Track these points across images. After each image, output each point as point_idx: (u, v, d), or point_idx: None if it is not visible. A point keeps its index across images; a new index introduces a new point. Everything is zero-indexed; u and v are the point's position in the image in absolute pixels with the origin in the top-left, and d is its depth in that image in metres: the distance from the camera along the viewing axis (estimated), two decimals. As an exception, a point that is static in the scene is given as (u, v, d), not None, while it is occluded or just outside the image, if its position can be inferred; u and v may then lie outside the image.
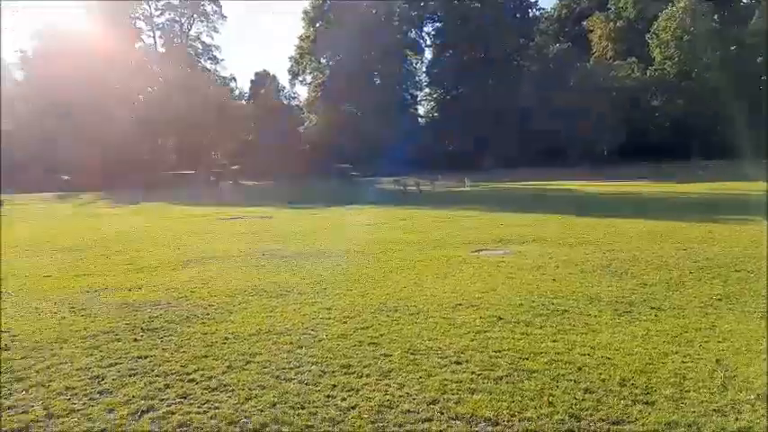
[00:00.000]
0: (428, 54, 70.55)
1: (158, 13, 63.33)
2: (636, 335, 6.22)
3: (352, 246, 13.18)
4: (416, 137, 60.21)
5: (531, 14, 71.85)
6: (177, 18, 64.01)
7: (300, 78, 67.78)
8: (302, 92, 71.61)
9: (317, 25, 63.95)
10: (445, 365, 5.45)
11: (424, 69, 70.45)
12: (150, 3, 62.59)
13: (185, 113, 55.24)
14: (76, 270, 11.01)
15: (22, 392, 5.04)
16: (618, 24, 65.46)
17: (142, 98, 63.54)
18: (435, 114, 70.88)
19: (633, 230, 14.34)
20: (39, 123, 50.69)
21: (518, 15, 69.18)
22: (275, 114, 62.22)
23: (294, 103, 69.88)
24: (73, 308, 7.93)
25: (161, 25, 64.06)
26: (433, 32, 69.75)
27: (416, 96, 72.12)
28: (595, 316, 6.97)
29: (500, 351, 5.79)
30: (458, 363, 5.51)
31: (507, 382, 5.02)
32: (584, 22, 67.89)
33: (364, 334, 6.47)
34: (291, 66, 66.89)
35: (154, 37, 64.19)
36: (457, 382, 5.06)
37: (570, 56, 61.62)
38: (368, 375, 5.28)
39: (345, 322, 6.99)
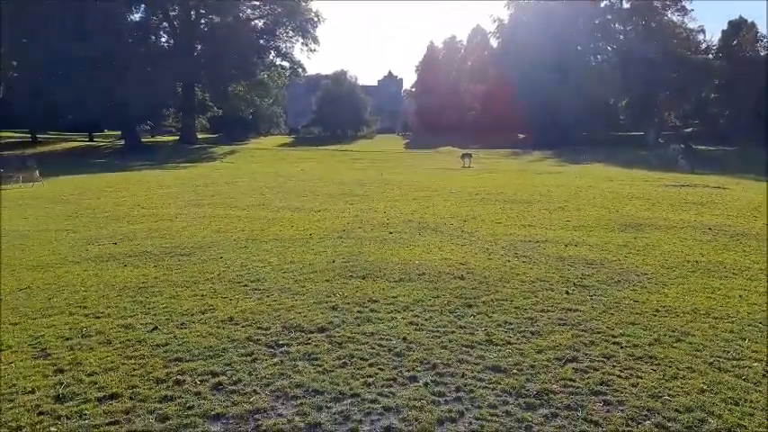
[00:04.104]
0: None
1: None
2: None
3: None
4: None
5: None
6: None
7: (788, 24, 56.07)
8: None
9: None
10: None
11: None
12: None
13: (641, 72, 53.02)
14: (522, 220, 12.19)
15: (470, 317, 5.99)
16: None
17: (600, 58, 63.68)
18: None
19: None
20: (507, 89, 56.36)
21: None
22: (747, 68, 53.54)
23: (775, 54, 58.44)
24: (517, 254, 8.88)
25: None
26: None
27: None
28: None
29: None
30: None
31: None
32: None
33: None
34: (778, 9, 55.91)
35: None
36: None
37: None
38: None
39: (810, 323, 5.81)
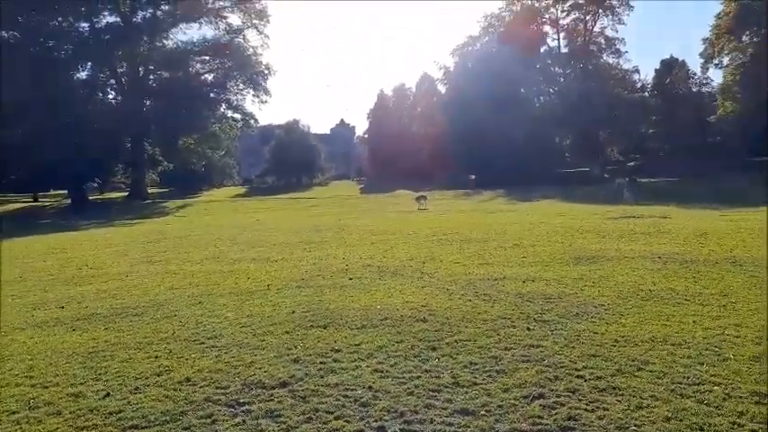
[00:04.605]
0: None
1: (564, 14, 64.93)
2: None
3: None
4: None
5: None
6: (582, 17, 64.33)
7: (715, 62, 59.79)
8: (717, 77, 62.84)
9: (742, -1, 55.23)
10: None
11: None
12: (557, 6, 64.53)
13: (582, 111, 55.43)
14: (480, 259, 12.31)
15: (435, 360, 5.94)
16: None
17: (543, 99, 66.44)
18: None
19: None
20: (456, 132, 57.83)
21: None
22: (681, 104, 56.69)
23: (705, 90, 62.12)
24: (477, 293, 8.92)
25: (565, 26, 65.44)
26: None
27: None
28: None
29: None
30: None
31: None
32: None
33: (787, 362, 5.44)
34: (705, 48, 59.61)
35: (558, 39, 66.11)
36: None
37: None
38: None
39: (760, 344, 5.99)
